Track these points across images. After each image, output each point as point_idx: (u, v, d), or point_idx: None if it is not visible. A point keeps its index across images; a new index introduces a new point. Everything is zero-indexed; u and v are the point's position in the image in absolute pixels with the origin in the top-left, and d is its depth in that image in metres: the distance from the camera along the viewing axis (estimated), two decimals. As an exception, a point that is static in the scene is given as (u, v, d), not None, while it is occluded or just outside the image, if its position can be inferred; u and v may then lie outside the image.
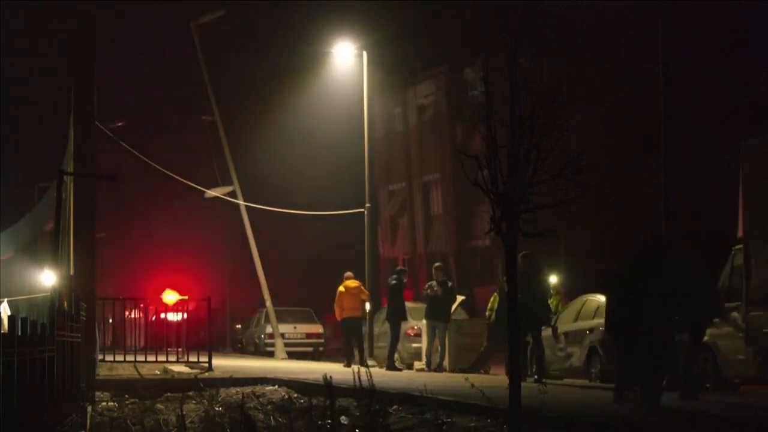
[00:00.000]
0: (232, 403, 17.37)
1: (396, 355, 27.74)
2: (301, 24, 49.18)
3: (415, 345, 28.29)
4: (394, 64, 45.50)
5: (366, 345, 31.25)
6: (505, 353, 22.56)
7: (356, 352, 28.39)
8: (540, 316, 22.46)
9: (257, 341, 41.35)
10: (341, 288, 28.35)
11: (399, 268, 29.92)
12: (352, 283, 28.42)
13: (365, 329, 31.69)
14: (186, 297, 28.20)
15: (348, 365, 27.64)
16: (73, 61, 20.83)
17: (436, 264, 27.64)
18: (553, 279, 29.88)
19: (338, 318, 28.74)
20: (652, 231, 17.23)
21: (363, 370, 15.36)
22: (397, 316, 27.17)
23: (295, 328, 39.36)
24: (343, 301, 28.19)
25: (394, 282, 27.44)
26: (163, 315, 30.92)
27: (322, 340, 40.48)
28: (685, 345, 17.37)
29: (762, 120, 32.78)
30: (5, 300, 26.69)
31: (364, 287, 28.94)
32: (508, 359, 13.16)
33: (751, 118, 33.99)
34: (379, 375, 20.04)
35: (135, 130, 44.65)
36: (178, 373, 23.29)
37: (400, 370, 26.49)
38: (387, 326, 30.03)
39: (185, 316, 31.40)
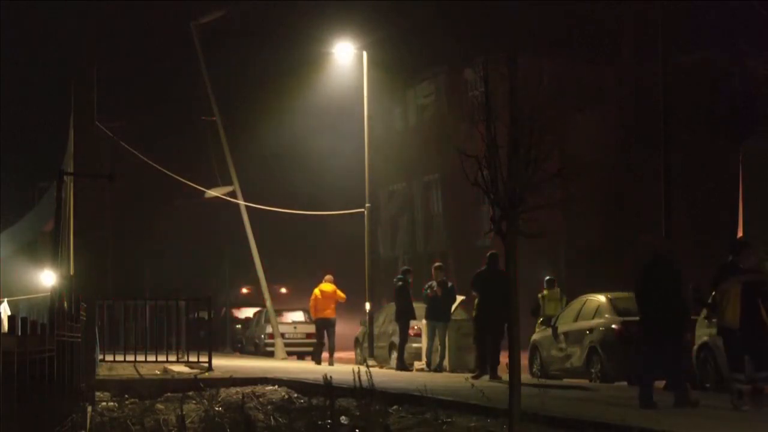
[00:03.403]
0: (232, 403, 17.37)
1: (394, 355, 27.81)
2: (301, 24, 49.19)
3: (415, 345, 28.32)
4: (394, 64, 45.47)
5: (366, 345, 31.35)
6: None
7: (326, 352, 29.33)
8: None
9: (257, 341, 41.34)
10: (317, 291, 29.37)
11: (404, 267, 30.11)
12: (328, 287, 29.32)
13: (365, 329, 31.75)
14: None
15: (318, 362, 29.06)
16: (73, 61, 20.82)
17: (436, 264, 27.66)
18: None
19: (313, 317, 30.32)
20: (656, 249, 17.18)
21: (363, 369, 15.39)
22: (406, 317, 27.28)
23: (295, 328, 39.38)
24: (317, 304, 29.32)
25: (400, 283, 27.54)
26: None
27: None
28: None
29: (762, 120, 32.78)
30: (5, 300, 26.70)
31: (340, 291, 29.57)
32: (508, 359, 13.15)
33: (751, 118, 33.99)
34: (379, 375, 20.04)
35: (135, 130, 44.65)
36: (178, 373, 23.29)
37: (411, 370, 26.57)
38: (387, 326, 30.10)
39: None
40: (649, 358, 16.13)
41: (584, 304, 23.99)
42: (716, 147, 34.04)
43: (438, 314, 26.15)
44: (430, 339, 26.43)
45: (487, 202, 11.85)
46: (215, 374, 22.75)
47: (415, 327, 28.03)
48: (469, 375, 22.38)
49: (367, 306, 32.23)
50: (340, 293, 29.41)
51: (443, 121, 47.56)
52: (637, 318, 16.67)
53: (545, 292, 27.16)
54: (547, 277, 28.00)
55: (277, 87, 50.62)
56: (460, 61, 44.80)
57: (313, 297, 29.48)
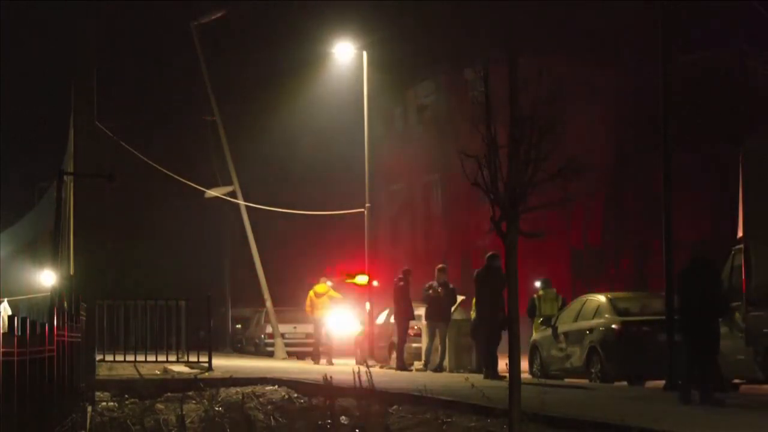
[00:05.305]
0: (232, 403, 17.38)
1: (394, 355, 27.84)
2: (301, 24, 49.15)
3: (415, 345, 28.33)
4: (394, 64, 45.44)
5: (366, 345, 31.39)
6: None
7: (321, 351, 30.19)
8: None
9: (257, 341, 41.33)
10: (311, 293, 30.31)
11: (405, 268, 30.14)
12: (322, 287, 30.20)
13: (363, 329, 31.78)
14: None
15: (317, 362, 29.73)
16: (73, 61, 20.83)
17: (440, 266, 27.68)
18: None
19: (310, 315, 30.93)
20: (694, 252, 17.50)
21: (363, 369, 15.38)
22: (405, 317, 27.33)
23: (295, 328, 39.38)
24: (312, 304, 30.30)
25: (401, 284, 27.59)
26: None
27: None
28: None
29: (762, 120, 32.78)
30: (5, 300, 26.72)
31: (334, 291, 30.43)
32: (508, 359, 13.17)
33: (751, 117, 33.99)
34: (379, 375, 20.04)
35: (135, 130, 44.64)
36: (178, 373, 23.29)
37: (411, 370, 26.61)
38: (387, 326, 30.09)
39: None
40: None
41: (584, 304, 23.99)
42: (716, 147, 34.03)
43: (438, 314, 26.17)
44: (430, 339, 26.44)
45: (487, 202, 11.84)
46: (215, 374, 22.75)
47: (415, 327, 28.04)
48: (468, 375, 22.36)
49: (367, 306, 32.25)
50: (333, 293, 30.21)
51: (443, 121, 47.52)
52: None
53: (540, 292, 27.19)
54: (542, 278, 28.00)
55: (278, 87, 50.58)
56: (460, 61, 44.75)
57: (308, 298, 30.40)
